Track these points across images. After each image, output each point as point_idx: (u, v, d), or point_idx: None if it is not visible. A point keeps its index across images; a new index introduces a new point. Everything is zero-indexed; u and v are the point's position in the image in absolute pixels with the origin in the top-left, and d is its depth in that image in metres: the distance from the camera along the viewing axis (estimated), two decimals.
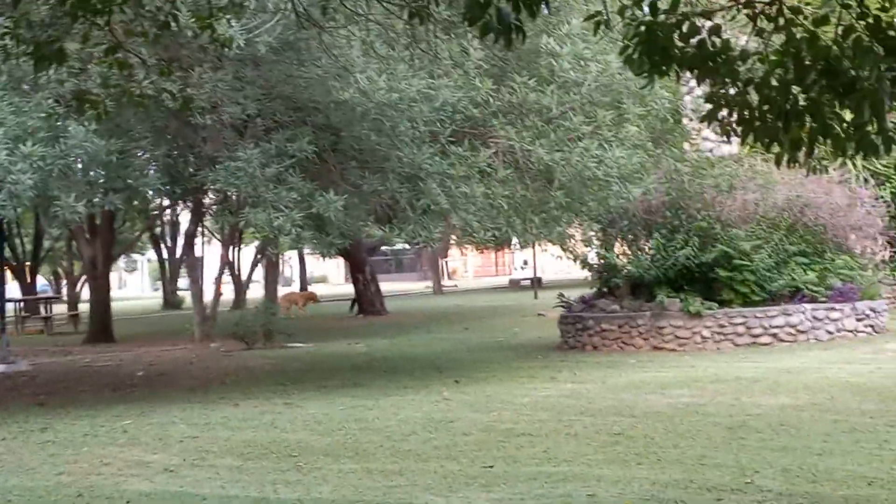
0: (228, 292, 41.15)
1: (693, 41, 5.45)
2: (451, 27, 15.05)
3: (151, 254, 60.77)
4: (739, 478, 8.54)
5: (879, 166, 25.08)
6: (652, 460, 9.47)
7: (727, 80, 5.43)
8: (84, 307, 34.78)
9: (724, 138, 5.65)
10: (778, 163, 5.53)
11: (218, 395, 15.71)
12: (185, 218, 36.92)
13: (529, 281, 48.07)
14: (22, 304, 35.65)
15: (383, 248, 38.55)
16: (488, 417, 12.48)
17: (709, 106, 5.85)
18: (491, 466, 9.54)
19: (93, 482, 9.69)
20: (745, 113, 5.42)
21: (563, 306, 21.47)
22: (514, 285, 54.35)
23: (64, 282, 48.47)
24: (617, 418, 11.90)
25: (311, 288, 59.50)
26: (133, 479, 9.77)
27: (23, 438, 12.36)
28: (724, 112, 5.54)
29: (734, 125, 5.50)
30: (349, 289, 45.15)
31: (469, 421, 12.28)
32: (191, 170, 17.22)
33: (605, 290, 21.01)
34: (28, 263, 42.95)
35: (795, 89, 5.32)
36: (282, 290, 40.25)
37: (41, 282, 47.78)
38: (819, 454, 9.38)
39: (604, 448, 10.19)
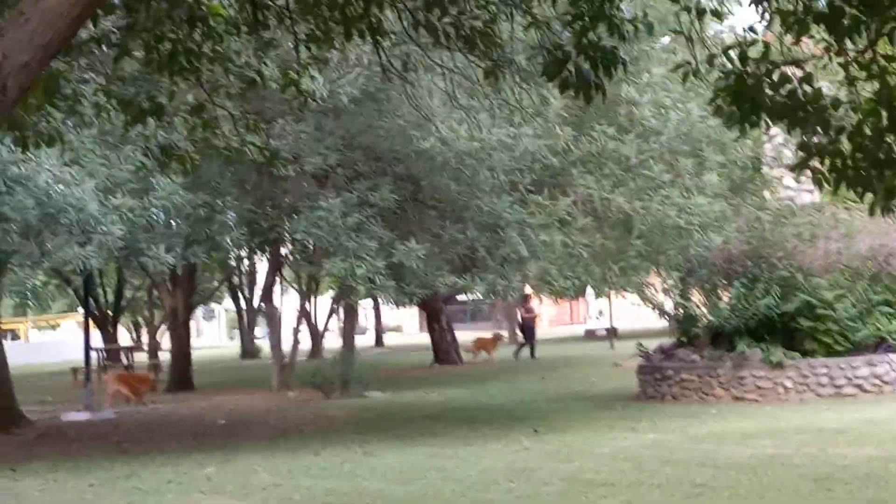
0: (305, 341, 41.32)
1: (783, 90, 5.44)
2: (530, 76, 15.14)
3: (228, 303, 61.34)
4: None
5: None
6: None
7: (818, 128, 5.40)
8: (164, 356, 35.13)
9: (816, 187, 5.61)
10: (872, 212, 5.49)
11: (298, 444, 15.77)
12: (262, 267, 37.21)
13: (605, 331, 47.80)
14: (104, 353, 36.12)
15: (460, 297, 38.45)
16: (569, 467, 12.41)
17: (793, 153, 5.83)
18: None
19: None
20: (838, 162, 5.39)
21: (641, 356, 21.31)
22: (590, 335, 53.98)
23: (144, 331, 49.07)
24: (699, 469, 11.77)
25: (385, 336, 59.69)
26: None
27: (109, 485, 12.51)
28: (816, 161, 5.52)
29: (826, 174, 5.47)
30: (424, 338, 45.14)
31: (550, 470, 12.21)
32: (271, 221, 17.43)
33: (684, 339, 20.82)
34: (110, 313, 43.62)
35: (889, 137, 5.29)
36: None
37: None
38: None
39: (688, 499, 10.09)
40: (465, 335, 45.60)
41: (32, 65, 4.62)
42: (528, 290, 34.13)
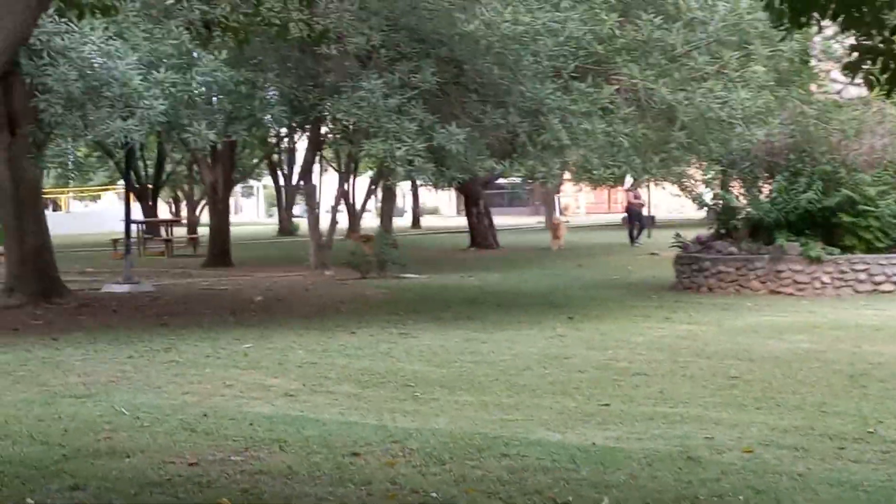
0: (343, 221, 41.51)
1: None
2: None
3: (268, 180, 61.54)
4: (861, 427, 8.44)
5: None
6: (770, 405, 9.41)
7: (873, 28, 5.29)
8: (203, 231, 35.40)
9: (867, 88, 5.52)
10: None
11: (334, 323, 15.93)
12: (302, 146, 37.24)
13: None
14: (144, 226, 36.45)
15: (498, 181, 38.29)
16: (603, 355, 12.50)
17: (842, 47, 5.72)
18: (607, 404, 9.57)
19: (216, 403, 9.93)
20: (891, 63, 5.29)
21: (678, 246, 21.29)
22: (627, 223, 53.90)
23: (183, 206, 49.38)
24: (734, 361, 11.83)
25: (423, 219, 59.83)
26: (254, 402, 9.99)
27: (148, 357, 12.70)
28: (868, 61, 5.42)
29: (878, 75, 5.38)
30: (461, 221, 45.24)
31: (584, 358, 12.31)
32: (312, 99, 17.39)
33: (722, 231, 20.77)
34: (150, 187, 43.89)
35: None
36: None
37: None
38: None
39: (721, 391, 10.16)
40: (502, 220, 45.65)
41: None
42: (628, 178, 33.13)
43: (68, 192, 59.20)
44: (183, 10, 13.73)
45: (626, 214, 38.30)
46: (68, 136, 15.14)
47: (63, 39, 14.32)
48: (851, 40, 5.79)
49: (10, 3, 4.65)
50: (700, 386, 10.46)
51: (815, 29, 16.20)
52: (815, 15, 5.18)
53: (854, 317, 15.55)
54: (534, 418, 9.08)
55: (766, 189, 20.52)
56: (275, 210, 60.13)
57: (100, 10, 8.95)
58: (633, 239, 35.41)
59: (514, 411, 9.40)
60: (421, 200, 63.71)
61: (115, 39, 14.26)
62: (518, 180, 20.79)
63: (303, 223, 42.19)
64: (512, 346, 13.39)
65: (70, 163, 18.30)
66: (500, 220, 46.41)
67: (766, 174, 20.73)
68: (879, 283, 18.48)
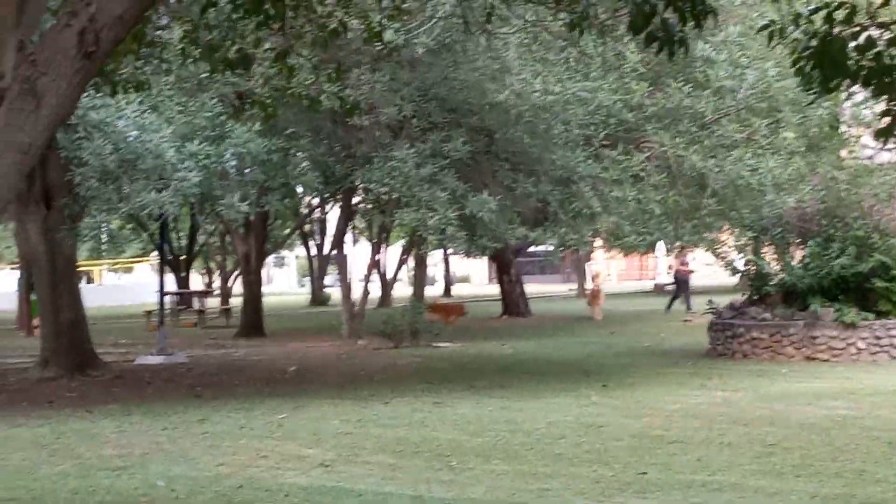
0: (375, 291, 41.57)
1: (869, 54, 5.35)
2: (607, 30, 15.05)
3: (300, 250, 61.79)
4: None
5: None
6: (810, 473, 9.33)
7: None
8: (236, 301, 35.50)
9: None
10: None
11: (368, 393, 15.90)
12: (334, 216, 37.43)
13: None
14: (177, 297, 36.58)
15: (530, 249, 38.27)
16: (639, 423, 12.42)
17: (872, 113, 5.74)
18: (644, 473, 9.51)
19: (252, 474, 9.92)
20: None
21: (712, 312, 21.21)
22: (659, 290, 53.75)
23: (216, 276, 49.61)
24: (771, 429, 11.73)
25: (454, 286, 59.74)
26: (290, 473, 9.97)
27: (183, 429, 12.71)
28: None
29: None
30: (493, 289, 45.24)
31: (619, 426, 12.24)
32: (345, 169, 17.54)
33: (755, 297, 20.67)
34: (183, 258, 44.13)
35: None
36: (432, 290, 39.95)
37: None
38: None
39: (759, 459, 10.07)
40: (534, 287, 45.55)
41: (126, 17, 4.68)
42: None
43: (102, 264, 59.56)
44: (216, 83, 13.93)
45: (674, 281, 38.14)
46: (103, 209, 15.29)
47: (98, 114, 14.54)
48: (882, 106, 5.81)
49: (56, 82, 4.75)
50: (737, 453, 10.38)
51: (844, 95, 16.22)
52: (847, 80, 5.21)
53: (891, 382, 15.41)
54: (571, 487, 9.03)
55: (798, 254, 20.44)
56: (307, 280, 60.30)
57: (133, 86, 9.12)
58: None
59: (550, 480, 9.35)
60: (452, 268, 63.74)
61: (149, 113, 14.47)
62: (550, 248, 20.92)
63: (335, 293, 42.30)
64: (547, 414, 13.32)
65: (104, 235, 18.44)
66: (532, 287, 46.39)
67: (798, 240, 20.67)
68: None
